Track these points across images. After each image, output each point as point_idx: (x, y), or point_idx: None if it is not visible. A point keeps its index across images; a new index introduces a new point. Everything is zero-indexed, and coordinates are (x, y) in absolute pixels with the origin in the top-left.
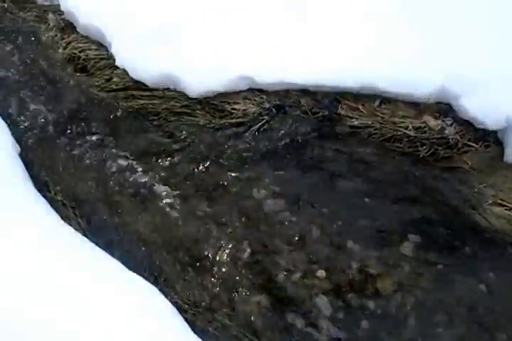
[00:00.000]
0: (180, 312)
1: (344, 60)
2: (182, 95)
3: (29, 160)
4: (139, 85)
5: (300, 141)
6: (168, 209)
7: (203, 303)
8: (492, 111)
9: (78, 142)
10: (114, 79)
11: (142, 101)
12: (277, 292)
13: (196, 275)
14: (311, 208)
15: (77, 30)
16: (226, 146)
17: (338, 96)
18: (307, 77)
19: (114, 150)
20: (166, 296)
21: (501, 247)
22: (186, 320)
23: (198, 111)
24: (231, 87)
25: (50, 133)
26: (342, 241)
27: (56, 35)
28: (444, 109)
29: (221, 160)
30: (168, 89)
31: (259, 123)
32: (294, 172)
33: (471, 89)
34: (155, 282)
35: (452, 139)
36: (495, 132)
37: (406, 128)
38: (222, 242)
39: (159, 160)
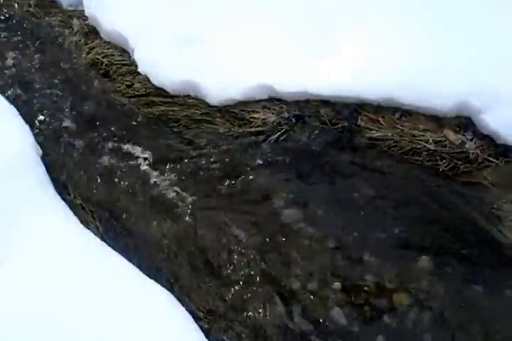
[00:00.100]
0: (195, 320)
1: (366, 72)
2: (202, 103)
3: (50, 163)
4: (160, 92)
5: (318, 151)
6: (185, 215)
7: (219, 312)
8: None
9: (98, 146)
10: (136, 85)
11: (163, 108)
12: (292, 302)
13: (212, 284)
14: (328, 219)
15: (101, 35)
16: (245, 154)
17: (358, 108)
18: (328, 88)
19: (133, 155)
20: (182, 303)
21: None
22: (201, 328)
23: (217, 119)
24: (251, 95)
25: (71, 137)
26: (358, 254)
27: (80, 40)
28: (464, 123)
29: (239, 168)
30: (188, 96)
31: (278, 133)
32: (312, 182)
33: (492, 103)
34: (171, 289)
35: (472, 154)
36: None
37: (426, 142)
38: (239, 250)
39: (178, 167)
